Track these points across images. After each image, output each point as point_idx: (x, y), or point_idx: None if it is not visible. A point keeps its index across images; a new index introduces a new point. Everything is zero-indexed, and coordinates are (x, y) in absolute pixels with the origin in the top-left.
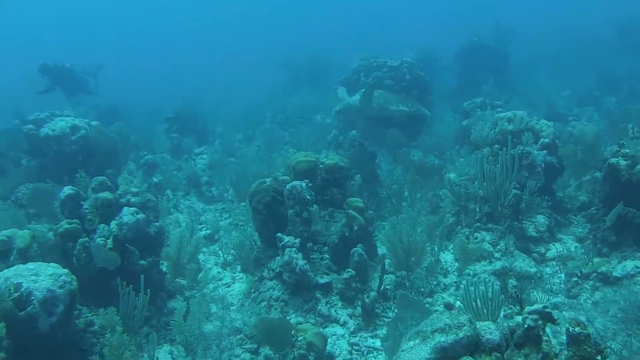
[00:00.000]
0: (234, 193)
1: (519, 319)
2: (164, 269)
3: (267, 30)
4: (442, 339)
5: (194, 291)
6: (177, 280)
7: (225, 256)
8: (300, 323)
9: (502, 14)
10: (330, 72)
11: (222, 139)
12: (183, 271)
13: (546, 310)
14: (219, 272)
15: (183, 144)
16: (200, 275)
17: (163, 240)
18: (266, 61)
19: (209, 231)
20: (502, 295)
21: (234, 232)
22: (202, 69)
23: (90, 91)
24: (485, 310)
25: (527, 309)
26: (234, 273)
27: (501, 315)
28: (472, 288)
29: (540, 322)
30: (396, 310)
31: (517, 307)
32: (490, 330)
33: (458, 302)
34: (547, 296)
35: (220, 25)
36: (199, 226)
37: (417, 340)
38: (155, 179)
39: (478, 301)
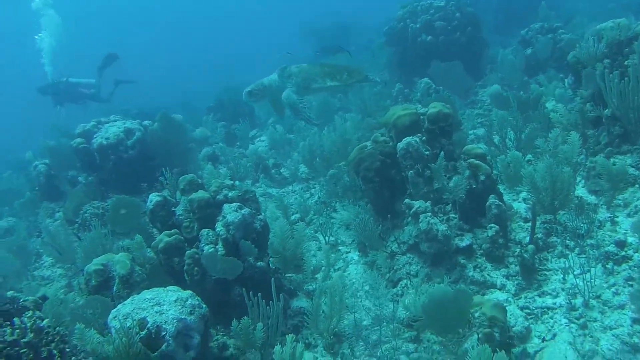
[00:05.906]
0: (308, 170)
1: None
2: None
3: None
4: None
5: (311, 284)
6: (287, 275)
7: (327, 238)
8: None
9: None
10: (360, 33)
11: (275, 117)
12: (291, 265)
13: None
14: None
15: (236, 131)
16: (314, 263)
17: (269, 234)
18: (292, 32)
19: (297, 215)
20: None
21: (341, 209)
22: (228, 51)
23: (99, 99)
24: None
25: None
26: (343, 255)
27: None
28: None
29: None
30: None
31: None
32: None
33: (629, 238)
34: None
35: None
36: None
37: None
38: (221, 171)
39: None
